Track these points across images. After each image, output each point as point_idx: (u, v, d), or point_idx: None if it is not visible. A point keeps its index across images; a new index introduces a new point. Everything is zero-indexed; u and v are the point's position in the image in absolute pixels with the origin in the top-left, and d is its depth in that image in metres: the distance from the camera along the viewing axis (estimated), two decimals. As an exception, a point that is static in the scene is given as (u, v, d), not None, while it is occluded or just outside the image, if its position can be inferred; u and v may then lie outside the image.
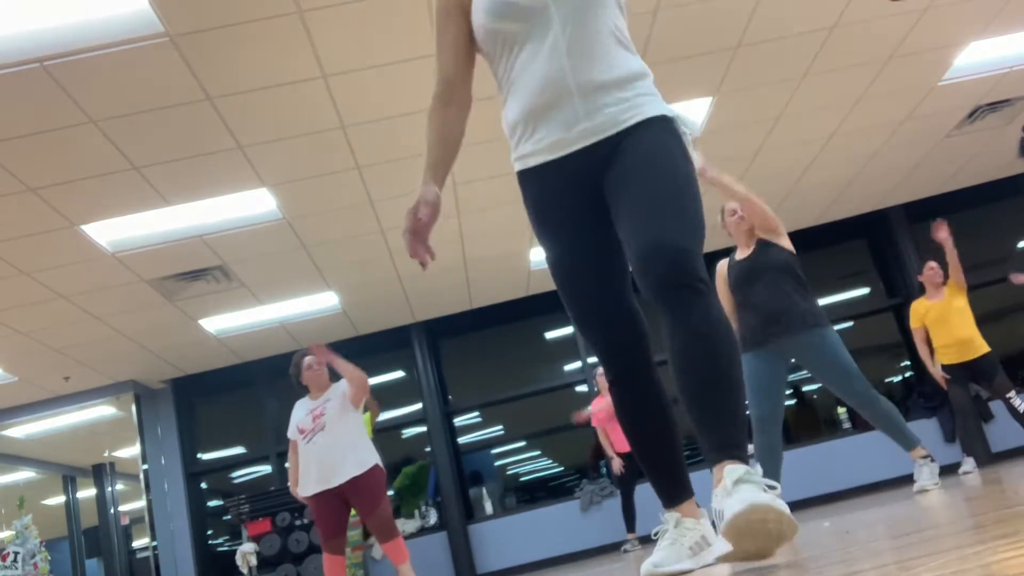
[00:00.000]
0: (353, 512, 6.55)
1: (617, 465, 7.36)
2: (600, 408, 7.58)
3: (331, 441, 5.07)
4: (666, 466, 1.93)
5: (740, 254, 4.74)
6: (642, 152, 1.83)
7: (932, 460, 4.76)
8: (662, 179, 1.79)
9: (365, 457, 5.10)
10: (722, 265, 4.81)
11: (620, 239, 1.86)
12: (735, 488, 1.57)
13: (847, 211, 9.07)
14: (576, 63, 1.85)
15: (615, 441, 7.48)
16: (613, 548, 8.16)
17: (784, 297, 4.53)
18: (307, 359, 5.27)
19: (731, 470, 1.61)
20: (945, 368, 6.60)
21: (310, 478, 5.07)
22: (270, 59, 4.46)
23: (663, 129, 1.88)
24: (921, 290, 6.92)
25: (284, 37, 4.33)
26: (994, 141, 8.05)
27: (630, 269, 1.88)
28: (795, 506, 8.05)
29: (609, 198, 1.88)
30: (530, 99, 1.90)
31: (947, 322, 6.52)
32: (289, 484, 5.29)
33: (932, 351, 6.70)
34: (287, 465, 6.48)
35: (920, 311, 6.70)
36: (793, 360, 4.64)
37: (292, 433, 5.24)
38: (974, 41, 6.05)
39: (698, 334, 1.70)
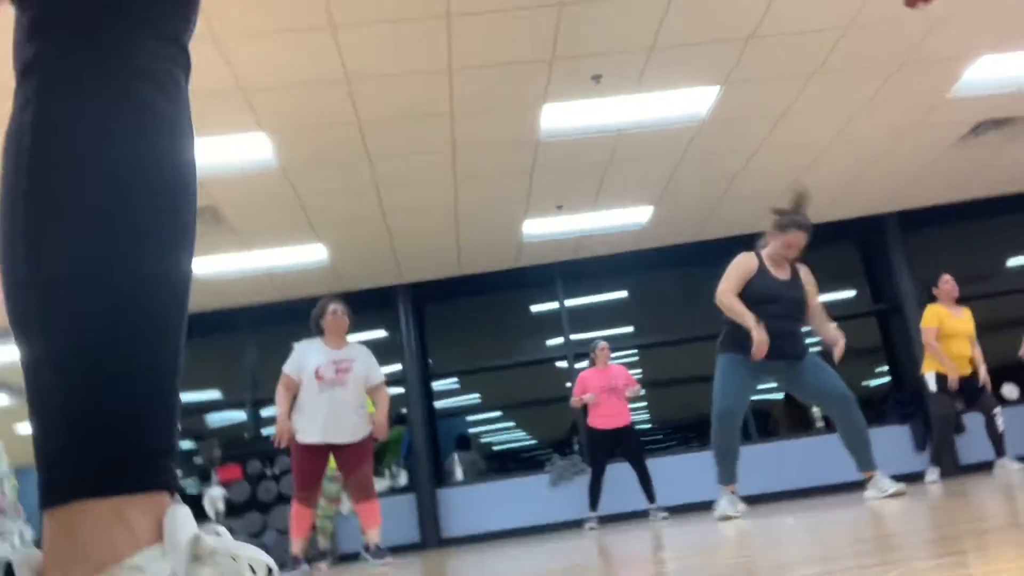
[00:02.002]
0: (332, 466, 6.58)
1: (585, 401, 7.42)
2: (590, 378, 7.53)
3: (346, 399, 5.11)
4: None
5: (776, 271, 4.81)
6: None
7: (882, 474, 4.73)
8: None
9: (365, 425, 5.18)
10: (751, 260, 4.81)
11: None
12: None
13: (842, 213, 9.08)
14: None
15: (595, 415, 7.46)
16: (577, 524, 8.24)
17: (796, 326, 4.77)
18: (333, 305, 5.27)
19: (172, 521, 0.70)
20: (939, 377, 6.65)
21: (315, 426, 5.04)
22: (280, 2, 4.40)
23: None
24: (929, 299, 6.89)
25: (295, -16, 4.27)
26: (995, 157, 8.06)
27: None
28: (764, 499, 8.13)
29: None
30: None
31: (956, 339, 6.66)
32: (278, 418, 5.06)
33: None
34: (269, 413, 6.42)
35: (941, 313, 6.70)
36: (775, 384, 4.86)
37: (299, 372, 5.13)
38: (986, 55, 6.03)
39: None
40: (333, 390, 5.09)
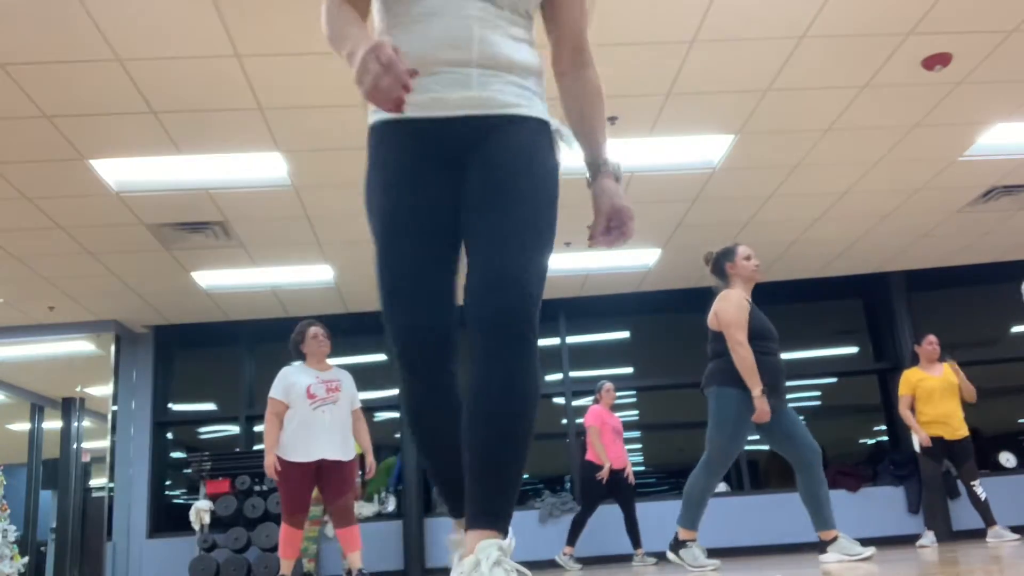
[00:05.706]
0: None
1: (606, 472, 7.26)
2: (596, 415, 7.48)
3: (338, 418, 5.15)
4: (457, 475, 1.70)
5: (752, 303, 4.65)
6: (514, 152, 1.72)
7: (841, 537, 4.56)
8: (527, 199, 1.67)
9: (353, 446, 5.23)
10: (743, 299, 4.55)
11: (464, 240, 1.72)
12: (491, 573, 1.44)
13: (848, 269, 9.09)
14: (485, 32, 1.70)
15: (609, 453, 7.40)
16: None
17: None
18: (313, 328, 5.28)
19: (487, 545, 1.47)
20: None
21: (305, 443, 5.03)
22: (306, 26, 4.45)
23: (541, 133, 1.81)
24: (913, 359, 6.99)
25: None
26: (1004, 223, 8.07)
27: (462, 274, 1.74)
28: (751, 552, 8.05)
29: (469, 189, 1.70)
30: (424, 48, 1.67)
31: (937, 398, 6.61)
32: (268, 450, 5.03)
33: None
34: (262, 428, 6.38)
35: (912, 380, 6.75)
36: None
37: (287, 395, 5.11)
38: (1001, 123, 6.07)
39: (514, 388, 1.62)
40: (325, 407, 5.11)
